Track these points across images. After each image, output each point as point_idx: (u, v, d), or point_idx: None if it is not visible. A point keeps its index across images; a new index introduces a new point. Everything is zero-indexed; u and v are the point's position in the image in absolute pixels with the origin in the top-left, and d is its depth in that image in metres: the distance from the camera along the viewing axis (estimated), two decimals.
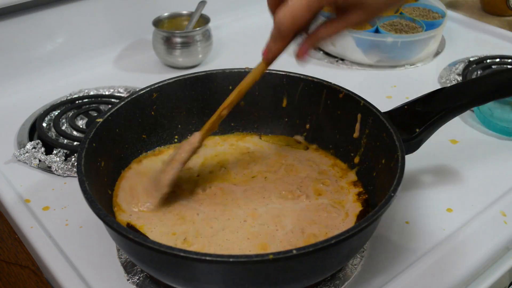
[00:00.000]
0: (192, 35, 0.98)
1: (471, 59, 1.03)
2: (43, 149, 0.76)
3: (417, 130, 0.61)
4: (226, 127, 0.75)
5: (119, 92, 0.92)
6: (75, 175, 0.72)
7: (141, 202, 0.61)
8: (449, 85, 0.73)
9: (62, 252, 0.61)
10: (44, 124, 0.82)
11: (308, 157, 0.71)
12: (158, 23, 1.00)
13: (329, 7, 0.53)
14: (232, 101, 0.61)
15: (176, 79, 0.70)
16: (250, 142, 0.74)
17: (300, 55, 0.57)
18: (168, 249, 0.45)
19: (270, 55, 0.57)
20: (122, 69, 1.01)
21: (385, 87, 0.95)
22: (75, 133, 0.81)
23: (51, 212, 0.67)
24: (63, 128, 0.82)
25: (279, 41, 0.56)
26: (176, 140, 0.73)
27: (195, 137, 0.62)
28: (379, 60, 1.01)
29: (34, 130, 0.82)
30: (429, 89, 0.65)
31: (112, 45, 1.04)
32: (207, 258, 0.44)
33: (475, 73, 0.97)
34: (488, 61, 1.02)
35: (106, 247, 0.61)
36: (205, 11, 1.02)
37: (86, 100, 0.89)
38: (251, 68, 0.71)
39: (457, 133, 0.82)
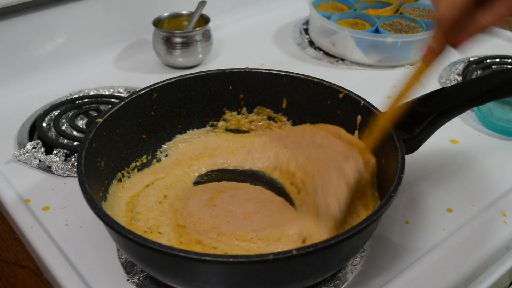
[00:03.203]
0: (192, 35, 0.98)
1: (471, 59, 1.03)
2: (43, 149, 0.76)
3: (417, 130, 0.61)
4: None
5: (119, 92, 0.92)
6: (75, 175, 0.72)
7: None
8: (449, 85, 0.73)
9: (62, 252, 0.61)
10: (44, 124, 0.82)
11: None
12: (158, 23, 1.00)
13: None
14: (395, 110, 0.58)
15: (176, 79, 0.70)
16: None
17: (459, 46, 0.54)
18: (168, 249, 0.45)
19: (433, 55, 0.55)
20: (122, 69, 1.01)
21: (385, 87, 0.95)
22: (75, 133, 0.81)
23: (51, 212, 0.67)
24: (63, 128, 0.82)
25: (441, 35, 0.53)
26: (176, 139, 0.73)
27: (358, 159, 0.59)
28: (379, 60, 1.01)
29: (34, 130, 0.82)
30: (429, 89, 0.65)
31: (112, 45, 1.04)
32: (207, 258, 0.44)
33: (475, 73, 0.97)
34: (488, 61, 1.02)
35: (106, 247, 0.61)
36: (205, 11, 1.02)
37: (86, 100, 0.89)
38: (251, 68, 0.72)
39: (457, 133, 0.82)
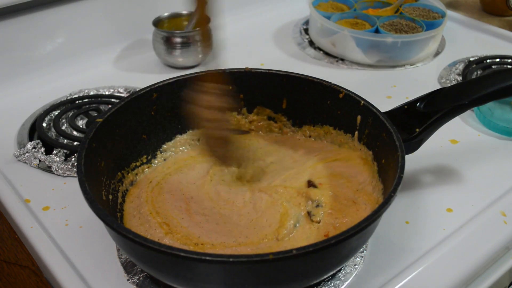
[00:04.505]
0: (192, 35, 0.98)
1: (471, 59, 1.03)
2: (43, 149, 0.76)
3: (417, 130, 0.61)
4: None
5: (119, 92, 0.92)
6: (75, 175, 0.72)
7: None
8: (449, 85, 0.73)
9: (62, 252, 0.61)
10: (44, 124, 0.82)
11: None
12: (158, 23, 1.00)
13: None
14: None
15: (176, 79, 0.70)
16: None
17: None
18: (168, 249, 0.45)
19: None
20: (122, 69, 1.01)
21: (385, 87, 0.95)
22: (75, 133, 0.81)
23: (51, 212, 0.67)
24: (63, 128, 0.82)
25: None
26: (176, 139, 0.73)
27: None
28: (379, 60, 1.01)
29: (34, 130, 0.82)
30: (429, 89, 0.65)
31: (112, 45, 1.04)
32: (207, 258, 0.44)
33: (475, 73, 0.97)
34: (488, 61, 1.02)
35: (106, 247, 0.62)
36: None
37: (86, 100, 0.89)
38: (251, 68, 0.72)
39: (457, 133, 0.82)
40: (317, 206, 0.61)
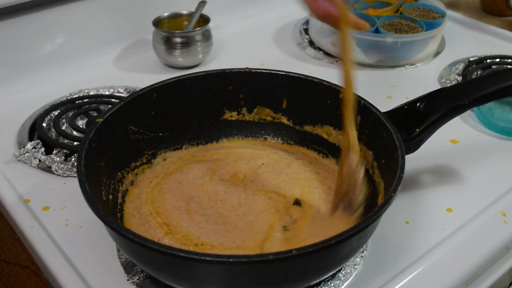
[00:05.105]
0: (192, 35, 0.98)
1: (471, 59, 1.03)
2: (43, 149, 0.76)
3: (417, 130, 0.61)
4: (228, 133, 0.75)
5: (119, 92, 0.92)
6: (75, 175, 0.72)
7: None
8: (449, 85, 0.73)
9: (62, 252, 0.61)
10: (44, 124, 0.82)
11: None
12: (158, 23, 1.00)
13: None
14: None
15: (176, 79, 0.70)
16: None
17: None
18: (168, 249, 0.45)
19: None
20: (122, 69, 1.01)
21: (385, 87, 0.95)
22: (75, 133, 0.81)
23: (51, 212, 0.67)
24: (63, 128, 0.82)
25: None
26: (175, 139, 0.73)
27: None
28: (379, 60, 1.01)
29: (34, 130, 0.82)
30: (429, 89, 0.65)
31: (112, 45, 1.04)
32: (207, 258, 0.44)
33: (475, 73, 0.97)
34: (488, 61, 1.02)
35: (106, 247, 0.62)
36: (205, 11, 1.02)
37: (86, 100, 0.89)
38: (251, 68, 0.72)
39: (457, 133, 0.82)
40: (293, 223, 0.60)
